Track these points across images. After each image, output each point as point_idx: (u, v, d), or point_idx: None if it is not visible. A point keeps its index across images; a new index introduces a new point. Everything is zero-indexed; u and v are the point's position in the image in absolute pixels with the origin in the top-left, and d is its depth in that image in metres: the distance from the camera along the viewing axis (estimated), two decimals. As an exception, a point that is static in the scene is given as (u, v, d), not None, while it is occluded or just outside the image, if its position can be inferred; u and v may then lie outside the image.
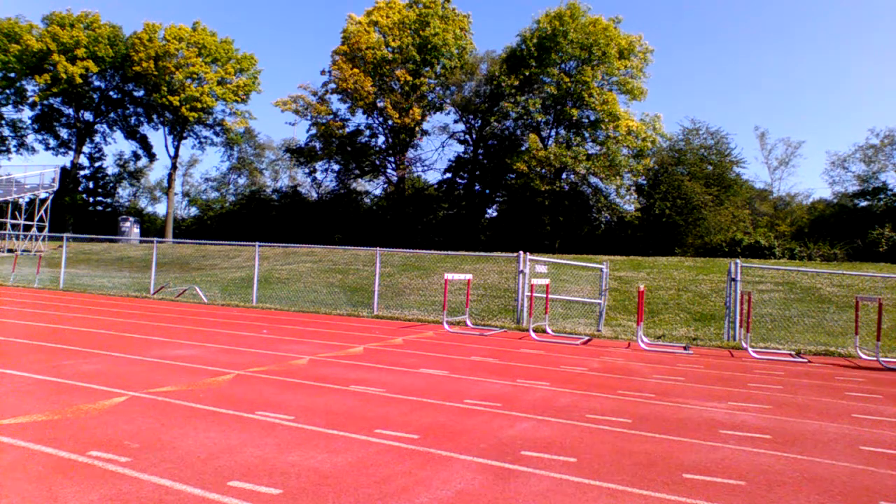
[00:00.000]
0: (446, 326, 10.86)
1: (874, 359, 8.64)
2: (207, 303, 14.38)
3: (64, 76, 42.82)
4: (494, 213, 42.85)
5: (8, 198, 32.79)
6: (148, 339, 8.05)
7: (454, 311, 12.86)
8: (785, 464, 3.66)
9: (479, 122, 41.67)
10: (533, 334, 10.05)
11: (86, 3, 64.13)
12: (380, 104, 40.14)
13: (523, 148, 36.72)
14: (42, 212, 33.59)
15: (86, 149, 50.42)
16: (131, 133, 50.51)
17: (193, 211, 59.25)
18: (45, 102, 46.37)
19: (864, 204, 37.33)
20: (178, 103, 43.12)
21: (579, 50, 34.96)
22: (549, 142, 37.19)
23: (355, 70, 38.78)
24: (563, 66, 36.58)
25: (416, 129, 41.03)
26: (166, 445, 3.51)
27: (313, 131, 42.43)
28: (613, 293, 15.44)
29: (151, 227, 52.35)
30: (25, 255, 27.72)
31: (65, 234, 20.94)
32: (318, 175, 46.28)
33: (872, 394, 6.22)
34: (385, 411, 4.57)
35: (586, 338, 10.19)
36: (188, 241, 38.88)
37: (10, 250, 29.52)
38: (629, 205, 36.21)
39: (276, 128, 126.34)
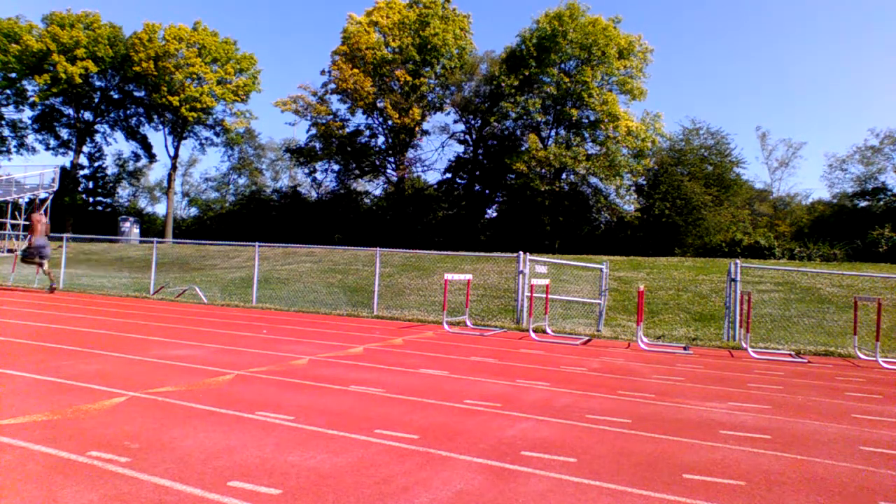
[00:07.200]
0: (446, 327, 10.86)
1: (873, 359, 8.64)
2: (207, 303, 14.38)
3: (64, 76, 42.80)
4: (494, 214, 42.85)
5: (8, 198, 32.79)
6: (148, 339, 8.05)
7: (454, 311, 12.86)
8: (785, 464, 3.66)
9: (479, 122, 41.67)
10: (533, 334, 10.05)
11: (86, 3, 64.08)
12: (380, 104, 40.14)
13: (523, 148, 36.71)
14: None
15: (86, 149, 50.43)
16: (131, 133, 50.51)
17: (193, 211, 59.31)
18: (45, 102, 46.35)
19: (863, 204, 37.36)
20: (177, 103, 43.11)
21: (579, 50, 34.97)
22: (549, 142, 37.19)
23: (355, 70, 38.78)
24: (562, 66, 36.59)
25: (416, 129, 41.03)
26: (166, 446, 3.51)
27: (313, 131, 42.46)
28: (613, 293, 15.44)
29: (151, 228, 52.33)
30: (25, 255, 27.66)
31: (65, 235, 20.94)
32: (318, 175, 46.32)
33: (872, 394, 6.22)
34: (385, 411, 4.57)
35: (586, 338, 10.19)
36: (188, 241, 38.89)
37: (10, 250, 29.50)
38: (629, 205, 36.21)
39: (276, 128, 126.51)
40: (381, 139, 43.53)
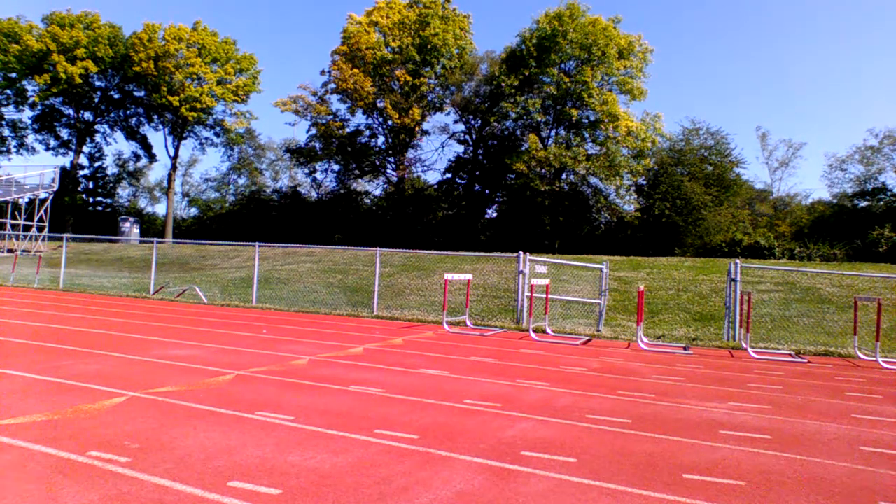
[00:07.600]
0: (446, 327, 10.86)
1: (873, 359, 8.64)
2: (207, 303, 14.38)
3: (64, 76, 42.78)
4: (494, 214, 42.81)
5: (8, 198, 32.79)
6: (148, 339, 8.05)
7: (454, 311, 12.86)
8: (785, 464, 3.66)
9: (479, 122, 41.66)
10: (533, 334, 10.05)
11: (86, 3, 64.17)
12: (380, 104, 40.13)
13: (523, 148, 36.69)
14: (42, 212, 33.57)
15: (86, 149, 50.41)
16: (131, 133, 50.50)
17: (193, 211, 59.27)
18: (46, 102, 46.33)
19: (863, 204, 37.31)
20: (177, 103, 43.09)
21: (579, 50, 34.95)
22: (549, 142, 37.18)
23: (355, 70, 38.76)
24: (562, 66, 36.57)
25: (416, 129, 41.01)
26: (166, 446, 3.51)
27: (313, 131, 42.43)
28: (613, 293, 15.44)
29: (151, 228, 52.31)
30: (25, 255, 27.71)
31: (65, 235, 20.93)
32: (318, 175, 46.29)
33: (872, 394, 6.22)
34: (385, 411, 4.57)
35: (586, 338, 10.19)
36: (188, 241, 38.87)
37: (9, 250, 29.51)
38: (629, 205, 36.18)
39: (276, 128, 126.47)
40: (381, 139, 43.55)
